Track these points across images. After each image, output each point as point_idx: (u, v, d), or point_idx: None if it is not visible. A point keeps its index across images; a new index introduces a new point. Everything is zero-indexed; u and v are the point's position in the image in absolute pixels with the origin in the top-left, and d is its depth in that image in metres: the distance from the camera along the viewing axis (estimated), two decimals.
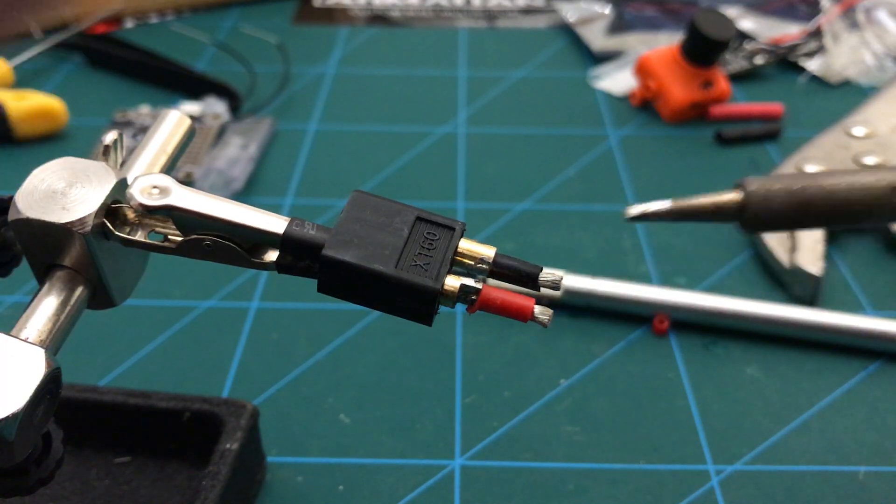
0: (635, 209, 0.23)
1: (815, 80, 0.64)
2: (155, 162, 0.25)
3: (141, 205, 0.22)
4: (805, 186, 0.23)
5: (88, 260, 0.23)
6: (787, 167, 0.49)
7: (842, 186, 0.23)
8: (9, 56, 0.61)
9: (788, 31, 0.68)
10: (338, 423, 0.36)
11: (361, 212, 0.23)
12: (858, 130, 0.52)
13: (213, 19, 0.73)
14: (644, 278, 0.44)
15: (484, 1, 0.78)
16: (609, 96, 0.62)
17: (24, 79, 0.62)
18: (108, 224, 0.22)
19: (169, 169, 0.26)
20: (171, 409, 0.32)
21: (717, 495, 0.33)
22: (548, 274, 0.22)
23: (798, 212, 0.23)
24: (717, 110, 0.58)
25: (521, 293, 0.22)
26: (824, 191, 0.23)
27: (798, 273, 0.42)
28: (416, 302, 0.22)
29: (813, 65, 0.65)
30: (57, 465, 0.23)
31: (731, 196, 0.24)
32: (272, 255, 0.23)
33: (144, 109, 0.58)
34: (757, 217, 0.23)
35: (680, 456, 0.35)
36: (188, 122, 0.27)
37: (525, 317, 0.22)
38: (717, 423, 0.37)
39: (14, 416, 0.19)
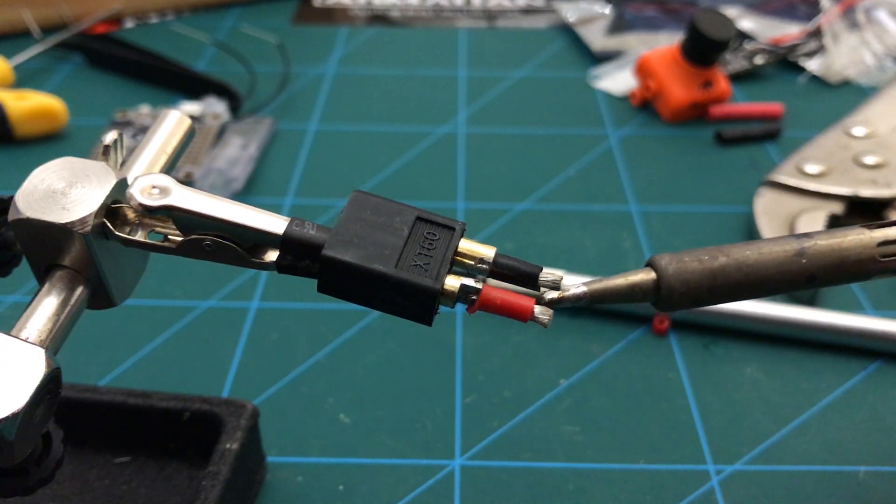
0: (551, 294, 0.23)
1: (815, 80, 0.64)
2: (155, 162, 0.25)
3: (141, 205, 0.22)
4: (716, 256, 0.24)
5: (88, 260, 0.23)
6: (788, 167, 0.49)
7: (751, 255, 0.24)
8: (9, 56, 0.61)
9: (788, 31, 0.68)
10: (338, 423, 0.36)
11: (361, 212, 0.23)
12: (858, 130, 0.52)
13: (213, 19, 0.73)
14: None
15: (484, 1, 0.78)
16: (609, 96, 0.62)
17: (24, 79, 0.62)
18: (108, 224, 0.22)
19: (169, 169, 0.26)
20: (171, 409, 0.32)
21: (717, 495, 0.34)
22: (548, 274, 0.22)
23: (712, 281, 0.23)
24: (717, 110, 0.58)
25: (521, 293, 0.22)
26: (735, 260, 0.24)
27: None
28: (415, 302, 0.22)
29: (813, 65, 0.65)
30: (57, 465, 0.23)
31: (643, 274, 0.24)
32: (272, 255, 0.23)
33: (144, 109, 0.58)
34: (671, 290, 0.23)
35: (680, 456, 0.35)
36: (188, 122, 0.27)
37: (525, 317, 0.22)
38: (717, 423, 0.37)
39: (14, 416, 0.19)
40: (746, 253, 0.24)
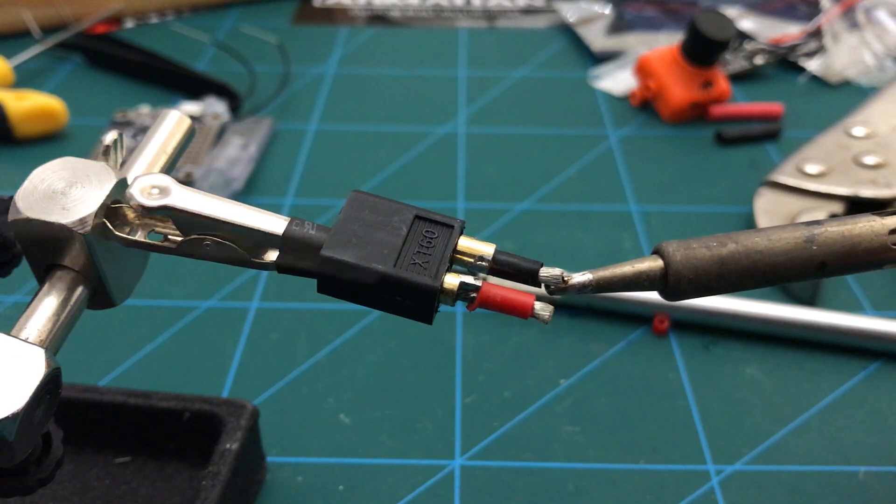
0: (551, 271, 0.22)
1: (815, 80, 0.64)
2: (155, 162, 0.25)
3: (141, 205, 0.22)
4: (724, 243, 0.23)
5: (88, 260, 0.23)
6: (788, 167, 0.49)
7: (760, 242, 0.23)
8: (9, 56, 0.61)
9: (788, 31, 0.68)
10: (338, 423, 0.36)
11: (360, 211, 0.23)
12: (858, 130, 0.52)
13: (213, 19, 0.73)
14: None
15: (484, 1, 0.78)
16: (609, 96, 0.62)
17: (24, 79, 0.62)
18: (108, 224, 0.22)
19: (169, 169, 0.26)
20: (171, 409, 0.32)
21: (717, 495, 0.33)
22: (548, 270, 0.22)
23: (720, 268, 0.23)
24: (717, 110, 0.58)
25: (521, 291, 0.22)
26: (744, 247, 0.23)
27: None
28: (415, 300, 0.22)
29: (813, 65, 0.65)
30: (57, 465, 0.23)
31: (650, 262, 0.23)
32: (272, 255, 0.23)
33: (144, 109, 0.58)
34: (680, 278, 0.23)
35: (680, 456, 0.35)
36: (188, 122, 0.27)
37: (525, 313, 0.22)
38: (717, 423, 0.37)
39: (14, 416, 0.19)
40: (755, 239, 0.23)
